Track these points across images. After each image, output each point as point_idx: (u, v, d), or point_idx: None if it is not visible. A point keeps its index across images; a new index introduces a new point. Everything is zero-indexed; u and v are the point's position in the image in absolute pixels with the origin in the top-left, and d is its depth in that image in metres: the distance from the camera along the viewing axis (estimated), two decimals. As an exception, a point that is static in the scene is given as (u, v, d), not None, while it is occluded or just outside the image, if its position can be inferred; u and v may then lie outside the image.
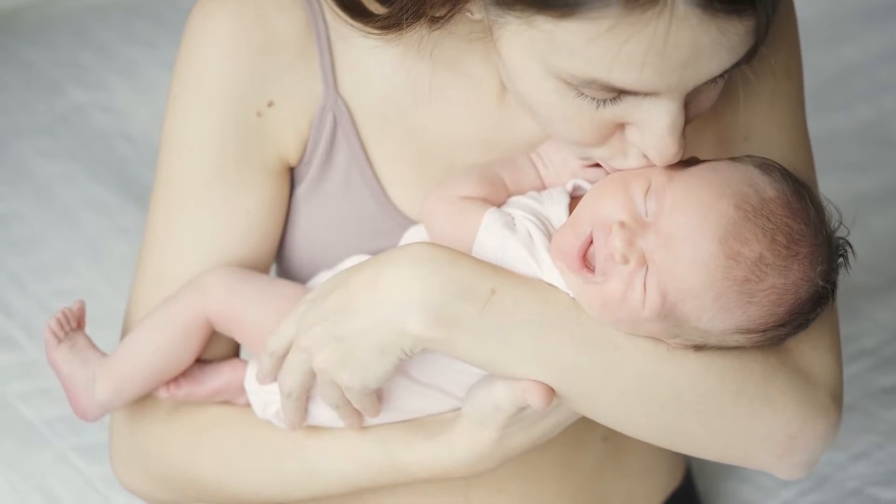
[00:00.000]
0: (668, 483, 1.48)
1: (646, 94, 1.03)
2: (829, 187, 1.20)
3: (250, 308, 1.24)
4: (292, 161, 1.27)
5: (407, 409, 1.22)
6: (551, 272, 1.13)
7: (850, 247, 1.14)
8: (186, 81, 1.25)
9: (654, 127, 1.05)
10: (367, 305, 1.12)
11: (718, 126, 1.22)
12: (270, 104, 1.24)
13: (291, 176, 1.28)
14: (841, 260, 1.13)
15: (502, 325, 1.10)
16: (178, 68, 1.25)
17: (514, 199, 1.19)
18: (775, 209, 1.09)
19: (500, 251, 1.14)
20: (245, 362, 1.30)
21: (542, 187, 1.21)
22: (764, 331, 1.10)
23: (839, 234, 1.13)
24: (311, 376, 1.18)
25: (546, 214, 1.17)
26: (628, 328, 1.11)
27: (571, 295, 1.12)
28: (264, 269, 1.30)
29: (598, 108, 1.05)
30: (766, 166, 1.12)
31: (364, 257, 1.22)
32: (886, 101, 2.43)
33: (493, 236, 1.15)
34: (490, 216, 1.16)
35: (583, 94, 1.04)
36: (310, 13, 1.23)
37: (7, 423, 1.78)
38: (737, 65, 1.04)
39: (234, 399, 1.30)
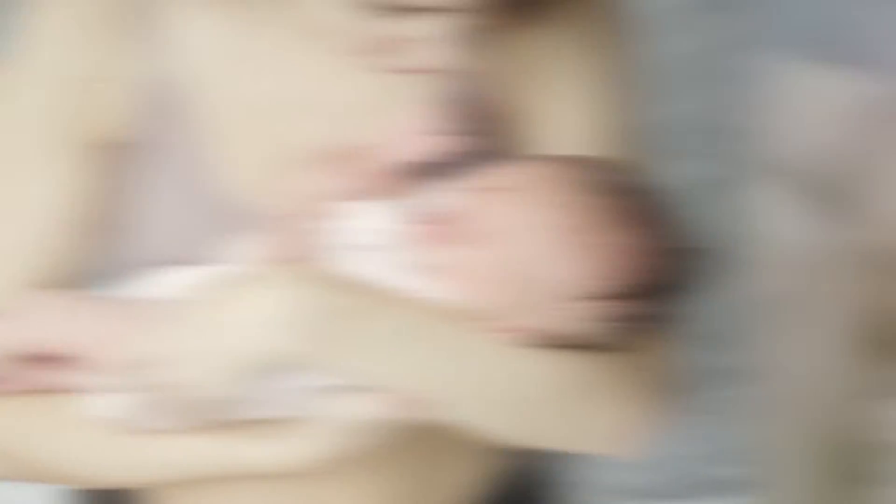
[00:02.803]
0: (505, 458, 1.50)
1: None
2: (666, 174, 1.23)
3: (78, 333, 1.19)
4: (121, 139, 1.24)
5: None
6: (396, 273, 1.14)
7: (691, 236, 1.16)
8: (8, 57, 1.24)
9: None
10: (221, 322, 1.12)
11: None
12: (96, 79, 1.22)
13: (122, 156, 1.25)
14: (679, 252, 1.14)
15: (358, 337, 1.12)
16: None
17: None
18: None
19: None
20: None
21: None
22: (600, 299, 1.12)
23: (685, 223, 1.15)
24: (158, 391, 1.15)
25: (351, 232, 1.16)
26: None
27: (427, 297, 1.14)
28: (89, 249, 1.26)
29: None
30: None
31: (196, 270, 1.19)
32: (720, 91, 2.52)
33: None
34: None
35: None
36: None
37: None
38: None
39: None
